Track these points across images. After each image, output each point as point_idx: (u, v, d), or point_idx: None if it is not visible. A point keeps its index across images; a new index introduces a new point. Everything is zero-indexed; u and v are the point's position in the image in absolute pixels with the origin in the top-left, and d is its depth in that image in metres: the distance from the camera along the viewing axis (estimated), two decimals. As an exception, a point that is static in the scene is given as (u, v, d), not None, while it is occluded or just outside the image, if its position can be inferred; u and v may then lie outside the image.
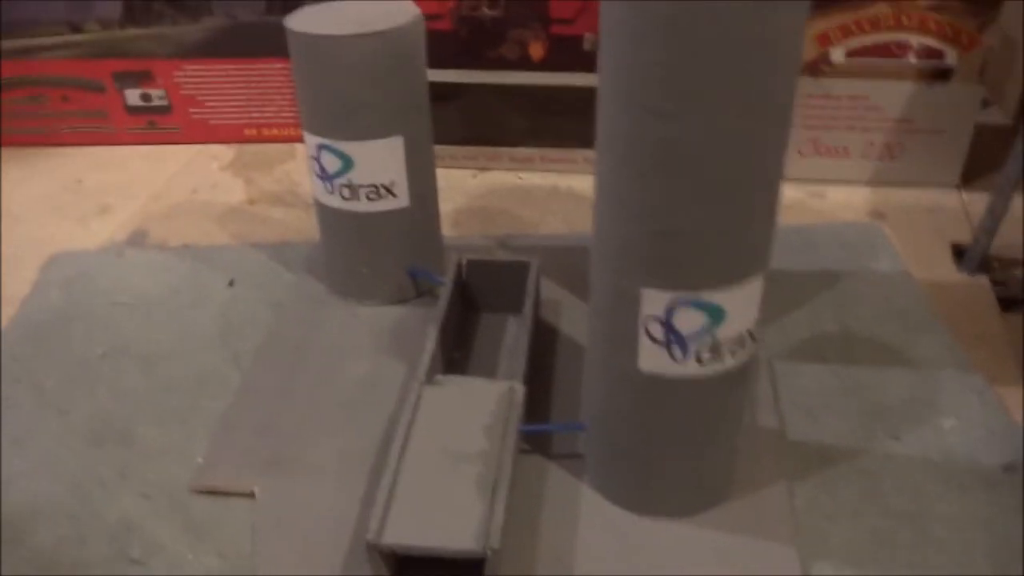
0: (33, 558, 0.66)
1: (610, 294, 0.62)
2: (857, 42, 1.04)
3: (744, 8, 0.49)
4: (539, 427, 0.75)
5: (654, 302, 0.59)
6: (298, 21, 0.81)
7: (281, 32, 1.15)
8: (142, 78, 1.22)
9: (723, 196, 0.55)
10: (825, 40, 1.04)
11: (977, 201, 1.08)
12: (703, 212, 0.55)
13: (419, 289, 0.92)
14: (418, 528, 0.62)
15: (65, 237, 1.08)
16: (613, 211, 0.59)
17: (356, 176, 0.84)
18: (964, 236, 1.02)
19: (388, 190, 0.85)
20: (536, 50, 1.10)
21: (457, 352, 0.85)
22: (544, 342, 0.86)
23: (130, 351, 0.87)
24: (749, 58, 0.51)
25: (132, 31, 1.19)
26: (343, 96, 0.81)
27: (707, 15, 0.49)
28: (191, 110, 1.24)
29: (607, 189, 0.59)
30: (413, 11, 0.83)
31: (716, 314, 0.59)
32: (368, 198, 0.85)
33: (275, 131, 1.26)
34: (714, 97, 0.52)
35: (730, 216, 0.56)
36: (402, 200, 0.87)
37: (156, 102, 1.24)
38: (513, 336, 0.87)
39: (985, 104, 1.17)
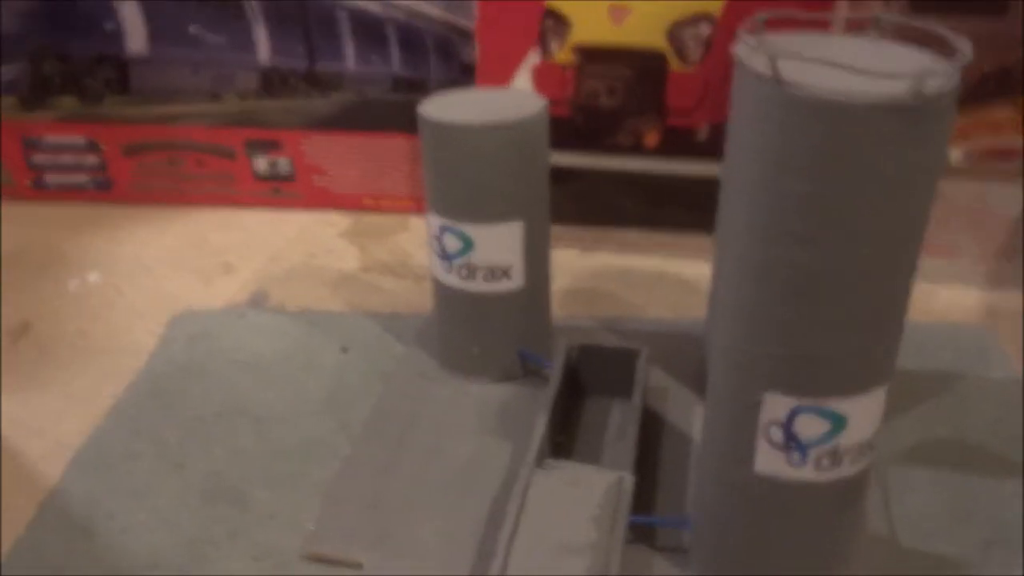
0: (148, 611, 0.69)
1: (731, 397, 0.62)
2: (976, 144, 1.04)
3: (890, 134, 0.50)
4: (648, 519, 0.75)
5: (776, 407, 0.59)
6: (431, 108, 0.85)
7: (403, 109, 1.21)
8: (271, 147, 1.28)
9: (858, 320, 0.56)
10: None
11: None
12: (837, 335, 0.56)
13: (527, 369, 0.94)
14: (526, 616, 0.63)
15: (190, 292, 1.13)
16: (740, 328, 0.59)
17: (475, 257, 0.87)
18: (1083, 346, 0.99)
19: (505, 272, 0.88)
20: (651, 138, 1.12)
21: (562, 436, 0.86)
22: (649, 431, 0.86)
23: (245, 411, 0.91)
24: (894, 188, 0.52)
25: (267, 102, 1.26)
26: (470, 182, 0.84)
27: (855, 146, 0.50)
28: (314, 177, 1.30)
29: (734, 307, 0.60)
30: (540, 102, 0.86)
31: (838, 422, 0.59)
32: (485, 279, 0.88)
33: (391, 202, 1.31)
34: (856, 225, 0.52)
35: (863, 337, 0.56)
36: (517, 282, 0.89)
37: (282, 169, 1.30)
38: (618, 422, 0.88)
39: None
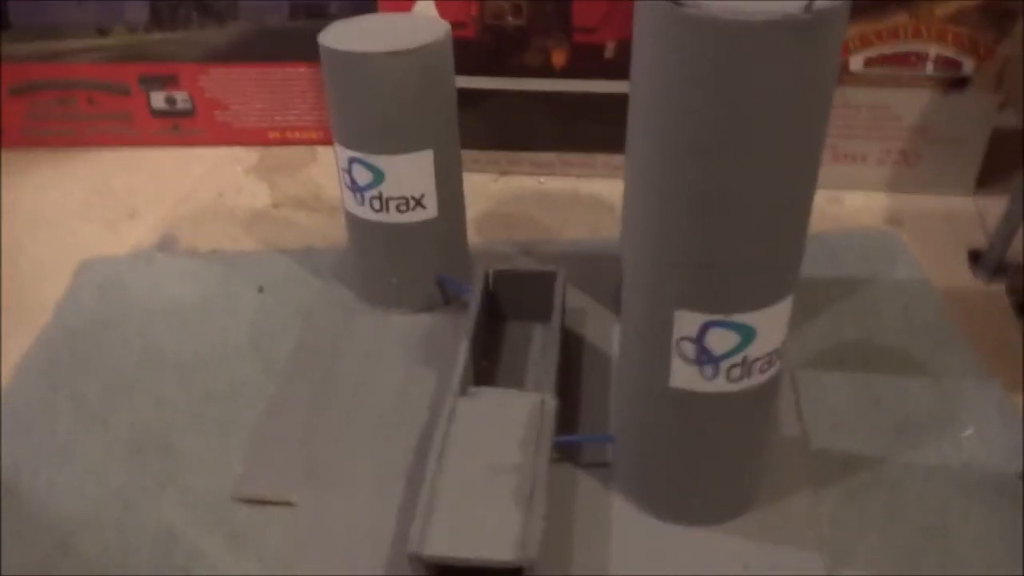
0: (80, 567, 0.69)
1: (644, 316, 0.64)
2: (876, 51, 1.06)
3: (788, 53, 0.50)
4: (571, 438, 0.77)
5: (687, 323, 0.61)
6: (331, 37, 0.82)
7: (304, 37, 1.17)
8: (167, 81, 1.23)
9: (760, 229, 0.57)
10: (844, 49, 1.06)
11: (993, 206, 1.09)
12: (740, 245, 0.57)
13: (446, 297, 0.94)
14: (459, 539, 0.64)
15: (94, 240, 1.10)
16: (648, 242, 0.60)
17: (387, 189, 0.86)
18: (980, 243, 1.04)
19: (418, 202, 0.87)
20: (558, 57, 1.11)
21: (485, 361, 0.87)
22: (570, 351, 0.88)
23: (165, 359, 0.89)
24: (789, 100, 0.52)
25: (158, 35, 1.20)
26: (375, 112, 0.82)
27: (751, 62, 0.51)
28: (215, 112, 1.26)
29: (642, 222, 0.61)
30: (443, 27, 0.84)
31: (748, 334, 0.61)
32: (398, 210, 0.87)
33: (298, 134, 1.28)
34: (753, 137, 0.53)
35: (766, 246, 0.58)
36: (431, 211, 0.89)
37: (180, 105, 1.25)
38: (539, 344, 0.89)
39: (1001, 107, 1.19)
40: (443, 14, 1.09)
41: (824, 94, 0.55)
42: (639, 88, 0.62)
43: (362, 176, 0.86)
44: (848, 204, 1.12)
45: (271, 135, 1.28)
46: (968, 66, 1.06)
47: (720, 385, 0.63)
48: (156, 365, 0.89)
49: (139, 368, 0.88)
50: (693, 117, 0.54)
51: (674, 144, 0.56)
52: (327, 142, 1.26)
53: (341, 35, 0.83)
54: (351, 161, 0.86)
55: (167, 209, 1.15)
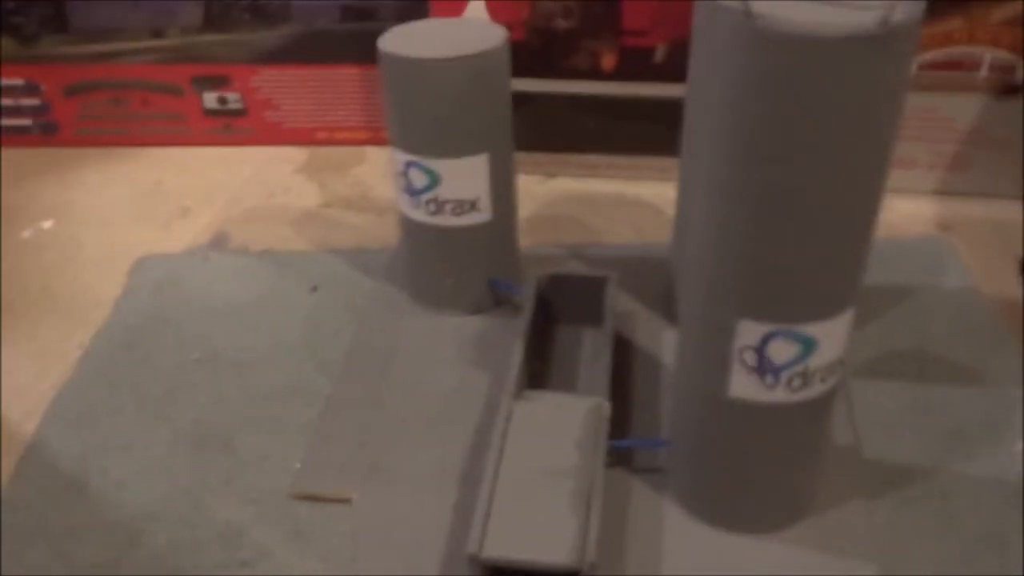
0: (150, 561, 0.71)
1: (704, 324, 0.64)
2: (929, 56, 1.05)
3: (862, 67, 0.51)
4: (628, 442, 0.78)
5: (750, 333, 0.61)
6: (390, 42, 0.83)
7: (354, 39, 1.19)
8: (219, 82, 1.25)
9: (826, 240, 0.57)
10: (897, 54, 1.05)
11: (1044, 214, 1.09)
12: (806, 255, 0.58)
13: (498, 299, 0.95)
14: (517, 542, 0.65)
15: (148, 238, 1.12)
16: (712, 247, 0.61)
17: (442, 191, 0.87)
18: (1031, 250, 1.03)
19: (472, 205, 0.88)
20: (608, 60, 1.11)
21: (537, 363, 0.88)
22: (620, 354, 0.89)
23: (223, 357, 0.91)
24: (861, 111, 0.53)
25: (211, 37, 1.22)
26: (433, 116, 0.83)
27: (824, 75, 0.51)
28: (265, 113, 1.28)
29: (707, 227, 0.61)
30: (500, 33, 0.85)
31: (809, 345, 0.61)
32: (453, 213, 0.88)
33: (346, 134, 1.29)
34: (824, 146, 0.54)
35: (830, 254, 0.58)
36: (485, 214, 0.89)
37: (232, 105, 1.27)
38: (590, 348, 0.90)
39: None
40: (493, 16, 1.10)
41: (896, 105, 0.56)
42: (702, 95, 0.62)
43: (418, 179, 0.87)
44: (898, 209, 1.12)
45: (320, 135, 1.29)
46: (1021, 70, 1.05)
47: (780, 395, 0.63)
48: (214, 363, 0.90)
49: (198, 365, 0.90)
50: (763, 127, 0.55)
51: (742, 153, 0.56)
52: (375, 142, 1.27)
53: (400, 40, 0.84)
54: (408, 165, 0.87)
55: (219, 208, 1.17)
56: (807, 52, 0.51)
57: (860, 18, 0.50)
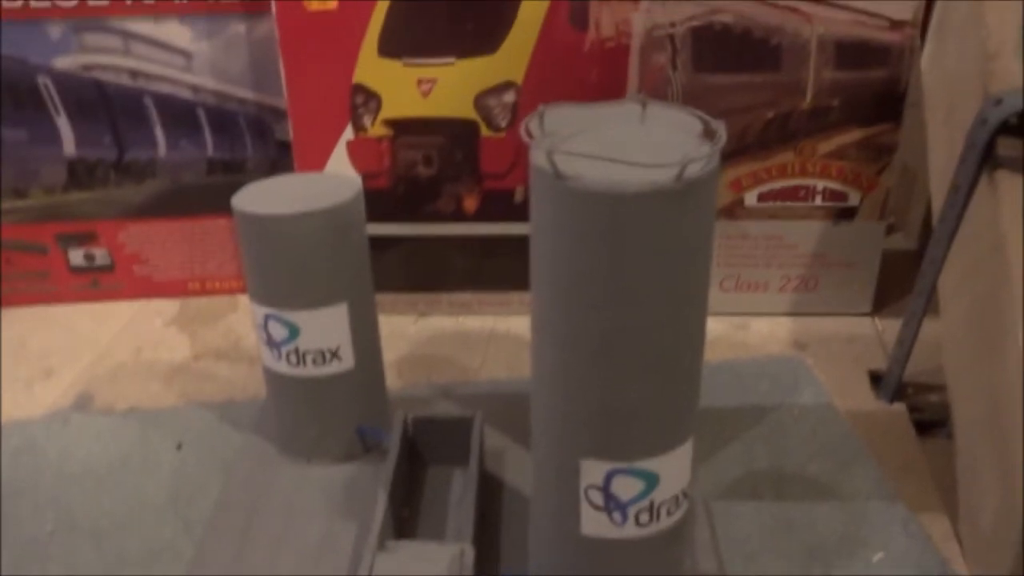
0: None
1: (552, 464, 0.65)
2: (767, 187, 1.13)
3: (662, 217, 0.54)
4: (491, 588, 0.77)
5: (593, 472, 0.63)
6: (244, 200, 0.85)
7: (221, 190, 1.20)
8: (85, 239, 1.25)
9: (655, 374, 0.60)
10: (738, 186, 1.12)
11: (890, 327, 1.15)
12: (636, 390, 0.60)
13: (367, 445, 0.95)
14: None
15: (10, 403, 1.08)
16: (551, 391, 0.63)
17: (302, 343, 0.88)
18: (880, 363, 1.09)
19: (334, 354, 0.89)
20: (470, 203, 1.15)
21: (406, 509, 0.87)
22: (490, 493, 0.89)
23: (80, 526, 0.88)
24: (670, 256, 0.56)
25: (76, 195, 1.22)
26: (291, 270, 0.85)
27: (630, 227, 0.55)
28: (134, 267, 1.27)
29: (546, 370, 0.63)
30: (355, 185, 0.87)
31: (651, 480, 0.63)
32: (315, 363, 0.89)
33: (218, 283, 1.29)
34: (641, 292, 0.57)
35: (662, 391, 0.61)
36: (347, 362, 0.90)
37: (99, 261, 1.26)
38: (460, 489, 0.90)
39: (890, 230, 1.27)
40: (357, 167, 1.13)
41: (702, 247, 0.59)
42: (536, 246, 0.65)
43: (278, 332, 0.87)
44: (754, 330, 1.17)
45: (191, 286, 1.29)
46: (854, 197, 1.13)
47: (630, 530, 0.64)
48: (70, 532, 0.87)
49: (52, 538, 0.86)
50: (585, 277, 0.57)
51: (570, 300, 0.59)
52: (247, 291, 1.27)
53: (254, 197, 0.86)
54: (267, 317, 0.87)
55: (84, 366, 1.15)
56: (611, 206, 0.54)
57: (659, 174, 0.54)
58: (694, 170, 0.55)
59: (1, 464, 0.96)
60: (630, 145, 0.59)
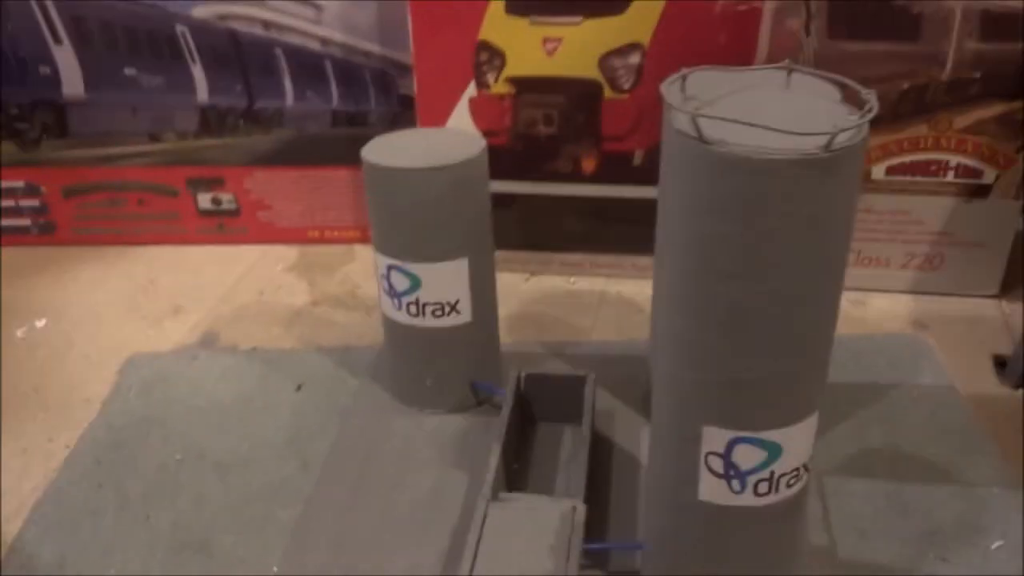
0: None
1: (672, 430, 0.66)
2: (897, 160, 1.09)
3: (809, 187, 0.54)
4: (602, 545, 0.78)
5: (715, 439, 0.63)
6: (373, 152, 0.87)
7: (344, 143, 1.23)
8: (213, 184, 1.29)
9: (787, 348, 0.59)
10: (867, 159, 1.09)
11: (1018, 311, 1.11)
12: (767, 363, 0.60)
13: (479, 399, 0.97)
14: (489, 648, 0.66)
15: (140, 336, 1.14)
16: (678, 359, 0.63)
17: (423, 294, 0.89)
18: (1005, 347, 1.05)
19: (453, 307, 0.90)
20: (588, 164, 1.15)
21: (516, 464, 0.89)
22: (599, 455, 0.90)
23: (206, 457, 0.92)
24: (812, 228, 0.55)
25: (207, 141, 1.26)
26: (414, 223, 0.86)
27: (774, 195, 0.54)
28: (258, 213, 1.31)
29: (672, 339, 0.63)
30: (480, 143, 0.88)
31: (774, 451, 0.63)
32: (434, 315, 0.91)
33: (336, 233, 1.33)
34: (779, 262, 0.56)
35: (792, 365, 0.60)
36: (465, 316, 0.92)
37: (226, 206, 1.31)
38: (569, 447, 0.91)
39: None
40: (478, 124, 1.14)
41: (845, 219, 0.58)
42: (668, 212, 0.65)
43: (400, 283, 0.90)
44: (873, 307, 1.14)
45: (310, 234, 1.33)
46: (989, 174, 1.09)
47: (747, 499, 0.64)
48: (197, 463, 0.91)
49: (181, 466, 0.91)
50: (722, 245, 0.57)
51: (702, 270, 0.59)
52: (365, 241, 1.31)
53: (382, 149, 0.87)
54: (389, 268, 0.89)
55: (210, 306, 1.19)
56: (758, 175, 0.54)
57: (806, 142, 0.53)
58: (843, 140, 0.53)
59: (133, 393, 1.02)
60: (775, 112, 0.58)
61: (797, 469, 0.65)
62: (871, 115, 0.55)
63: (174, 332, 1.14)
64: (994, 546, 0.79)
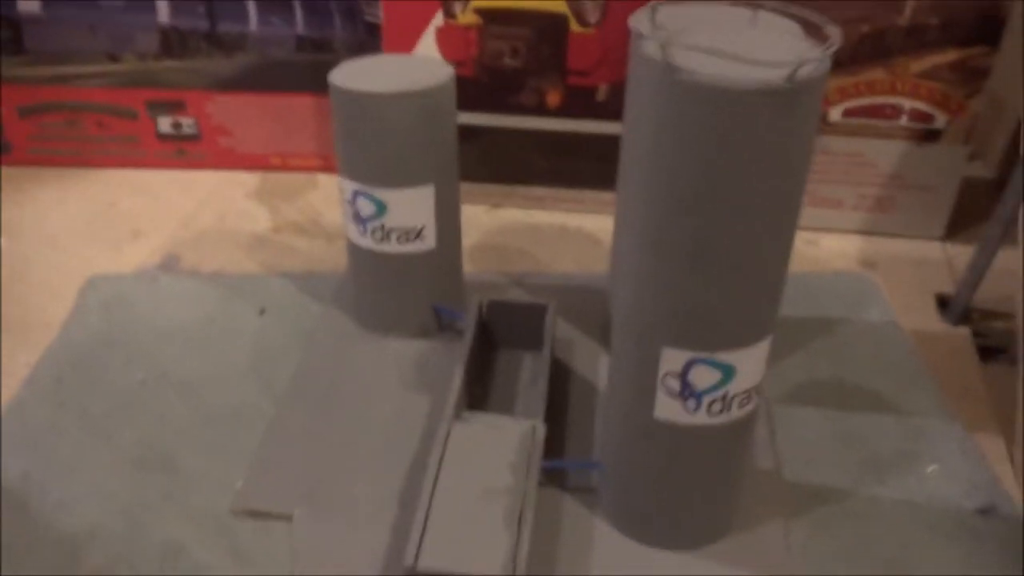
0: (91, 577, 0.72)
1: (632, 351, 0.68)
2: (854, 103, 1.12)
3: (770, 118, 0.55)
4: (561, 464, 0.81)
5: (673, 360, 0.65)
6: (341, 76, 0.87)
7: (308, 69, 1.22)
8: (174, 107, 1.28)
9: (744, 276, 0.62)
10: (825, 101, 1.11)
11: (961, 253, 1.15)
12: (725, 290, 0.62)
13: (441, 325, 0.98)
14: (451, 555, 0.68)
15: (99, 258, 1.13)
16: (638, 283, 0.65)
17: (389, 220, 0.90)
18: (948, 287, 1.09)
19: (418, 234, 0.92)
20: (553, 98, 1.16)
21: (477, 387, 0.91)
22: (558, 380, 0.92)
23: (168, 378, 0.93)
24: (771, 160, 0.57)
25: (167, 63, 1.24)
26: (382, 149, 0.87)
27: (737, 125, 0.56)
28: (219, 138, 1.30)
29: (633, 267, 0.65)
30: (447, 70, 0.89)
31: (728, 372, 0.66)
32: (399, 241, 0.92)
33: (299, 161, 1.32)
34: (739, 194, 0.58)
35: (749, 292, 0.63)
36: (429, 243, 0.93)
37: (186, 130, 1.29)
38: (529, 373, 0.94)
39: (971, 158, 1.25)
40: (444, 54, 1.14)
41: (804, 153, 0.60)
42: (632, 142, 0.66)
43: (365, 208, 0.90)
44: (824, 246, 1.18)
45: (273, 161, 1.32)
46: (940, 119, 1.12)
47: (701, 418, 0.67)
48: (160, 384, 0.92)
49: (143, 386, 0.92)
50: (683, 174, 0.59)
51: (664, 198, 0.61)
52: (327, 169, 1.30)
53: (350, 74, 0.87)
54: (355, 194, 0.90)
55: (170, 231, 1.19)
56: (723, 103, 0.55)
57: (771, 73, 0.55)
58: (807, 71, 0.55)
59: (93, 314, 1.02)
60: (741, 45, 0.60)
61: (749, 391, 0.67)
62: (834, 48, 0.57)
63: (134, 256, 1.14)
64: (929, 469, 0.83)
